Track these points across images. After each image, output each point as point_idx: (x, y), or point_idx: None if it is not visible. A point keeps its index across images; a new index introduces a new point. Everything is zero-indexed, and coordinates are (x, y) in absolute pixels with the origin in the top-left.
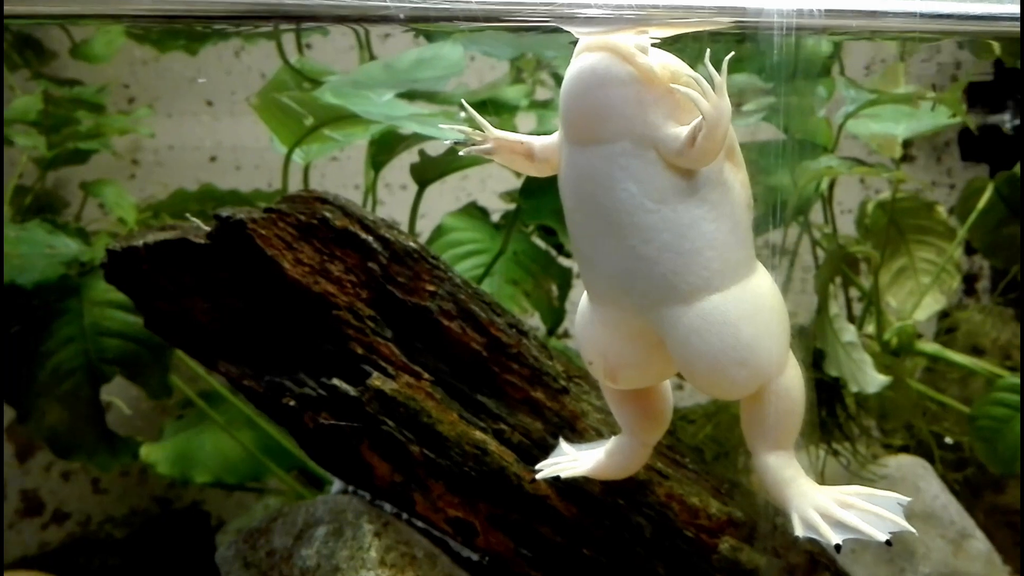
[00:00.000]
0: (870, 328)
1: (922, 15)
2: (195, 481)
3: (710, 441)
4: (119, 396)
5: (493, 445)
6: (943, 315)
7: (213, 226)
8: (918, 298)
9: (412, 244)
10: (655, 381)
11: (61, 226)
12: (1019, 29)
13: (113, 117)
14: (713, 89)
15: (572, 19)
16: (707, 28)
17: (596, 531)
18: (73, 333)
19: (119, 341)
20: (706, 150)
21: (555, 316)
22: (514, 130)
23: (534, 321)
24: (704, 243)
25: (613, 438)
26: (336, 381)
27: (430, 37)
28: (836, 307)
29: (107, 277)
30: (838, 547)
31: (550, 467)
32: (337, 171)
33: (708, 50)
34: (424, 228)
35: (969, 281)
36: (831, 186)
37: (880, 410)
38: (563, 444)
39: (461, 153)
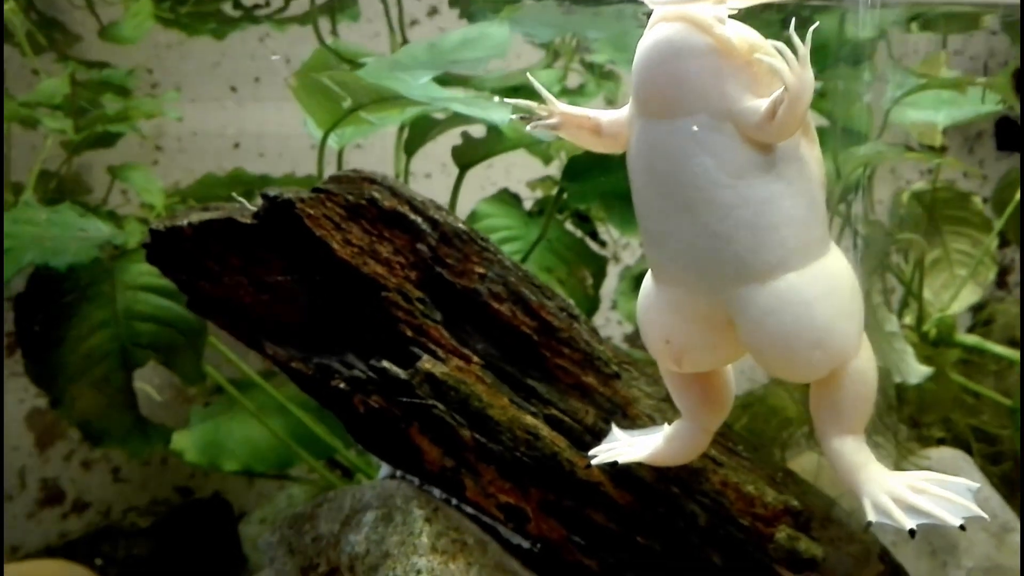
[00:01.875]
0: (908, 319)
1: None
2: (223, 469)
3: (746, 433)
4: (144, 382)
5: (545, 430)
6: (977, 307)
7: (260, 206)
8: (953, 290)
9: (461, 226)
10: (720, 364)
11: (92, 209)
12: None
13: (140, 100)
14: (797, 59)
15: None
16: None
17: (650, 518)
18: (106, 317)
19: (152, 326)
20: (786, 123)
21: (589, 304)
22: None
23: None
24: (781, 220)
25: (673, 423)
26: (386, 364)
27: (471, 18)
28: (877, 297)
29: (149, 257)
30: (912, 532)
31: (605, 453)
32: (360, 158)
33: (793, 18)
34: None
35: (1001, 274)
36: (870, 175)
37: (919, 402)
38: (615, 430)
39: (528, 128)
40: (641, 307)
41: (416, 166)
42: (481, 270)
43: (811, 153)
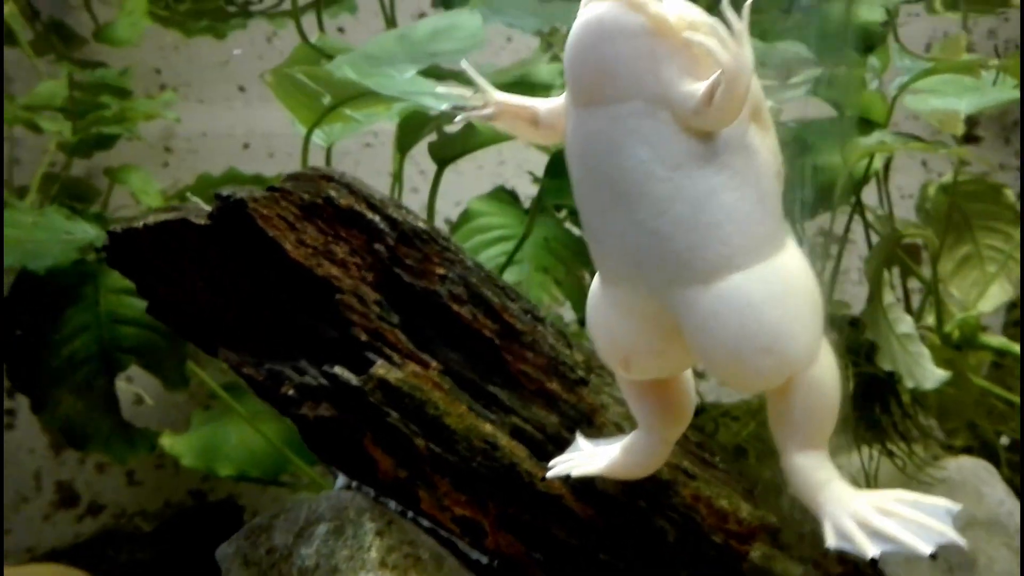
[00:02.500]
0: (931, 320)
1: None
2: (219, 474)
3: (754, 440)
4: (146, 386)
5: (504, 440)
6: (1012, 306)
7: (214, 206)
8: (983, 288)
9: (421, 225)
10: (673, 371)
11: (79, 212)
12: None
13: (139, 101)
14: (733, 37)
15: None
16: None
17: (615, 534)
18: (88, 321)
19: (135, 329)
20: (725, 108)
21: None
22: None
23: (565, 310)
24: (724, 215)
25: (631, 434)
26: (338, 369)
27: (449, 5)
28: (891, 296)
29: (109, 261)
30: (874, 561)
31: (563, 464)
32: (371, 156)
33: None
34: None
35: None
36: (887, 166)
37: (940, 408)
38: (580, 439)
39: (457, 119)
40: (588, 307)
41: (428, 163)
42: (442, 271)
43: (763, 142)
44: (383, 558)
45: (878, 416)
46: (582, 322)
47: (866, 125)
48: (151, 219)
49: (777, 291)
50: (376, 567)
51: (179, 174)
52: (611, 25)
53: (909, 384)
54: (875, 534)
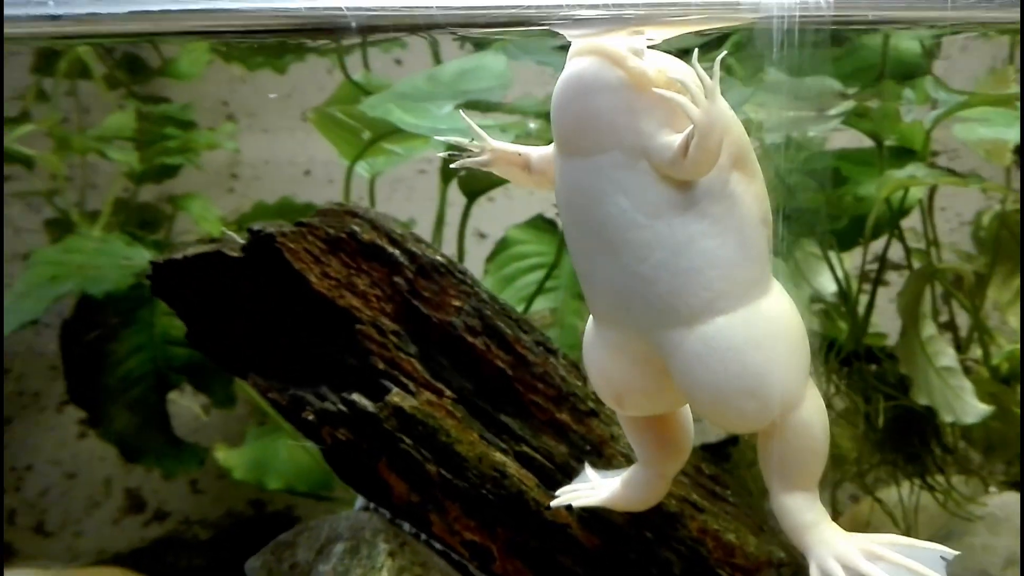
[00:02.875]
0: (979, 352)
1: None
2: (268, 487)
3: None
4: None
5: (513, 468)
6: None
7: (247, 240)
8: None
9: (439, 258)
10: (666, 409)
11: (139, 238)
12: None
13: (201, 133)
14: (705, 93)
15: (548, 21)
16: (705, 27)
17: (620, 564)
18: (143, 342)
19: (186, 350)
20: (699, 160)
21: None
22: None
23: None
24: (704, 261)
25: (630, 468)
26: (356, 396)
27: (479, 47)
28: (933, 328)
29: (152, 289)
30: None
31: (567, 495)
32: (425, 183)
33: (696, 50)
34: None
35: None
36: (931, 196)
37: (986, 443)
38: (588, 470)
39: (453, 166)
40: (584, 346)
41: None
42: (458, 303)
43: (747, 189)
44: None
45: (918, 450)
46: None
47: (907, 155)
48: (190, 251)
49: (760, 335)
50: None
51: (243, 200)
52: (591, 79)
53: (947, 418)
54: None
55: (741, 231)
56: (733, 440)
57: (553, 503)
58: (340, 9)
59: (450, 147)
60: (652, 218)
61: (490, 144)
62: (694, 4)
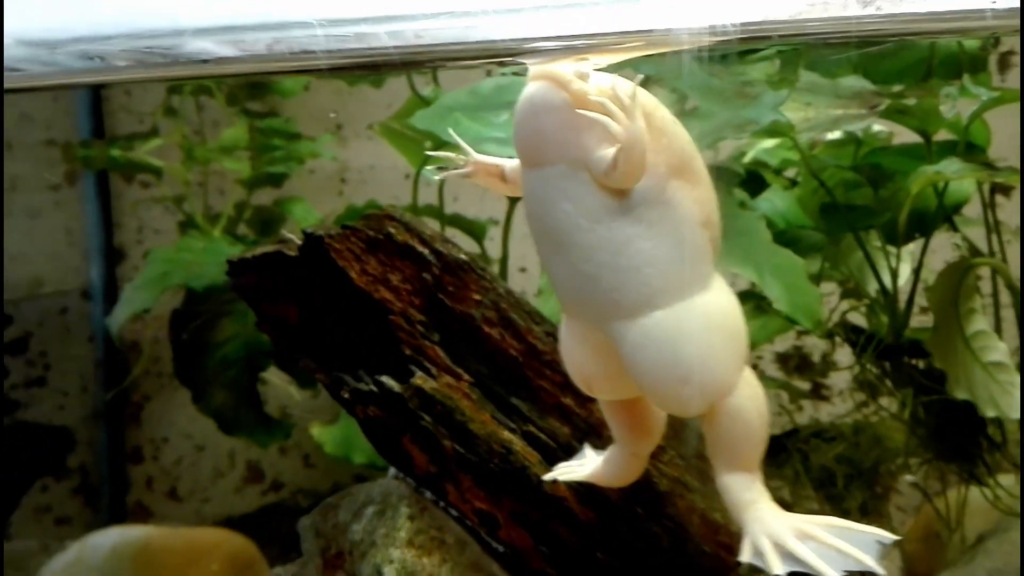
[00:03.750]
0: None
1: (862, 18)
2: (353, 462)
3: (844, 461)
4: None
5: (518, 445)
6: None
7: (303, 241)
8: None
9: (463, 256)
10: (630, 394)
11: (241, 238)
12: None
13: (303, 143)
14: (625, 112)
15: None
16: (637, 54)
17: (611, 536)
18: (238, 329)
19: None
20: (627, 172)
21: None
22: None
23: None
24: (641, 261)
25: (609, 447)
26: (385, 378)
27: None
28: (982, 323)
29: (231, 285)
30: None
31: (559, 470)
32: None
33: (611, 77)
34: None
35: None
36: (992, 191)
37: None
38: (587, 449)
39: (436, 178)
40: (560, 336)
41: None
42: (478, 297)
43: (688, 194)
44: (411, 538)
45: (965, 446)
46: None
47: (970, 149)
48: (258, 251)
49: (694, 328)
50: (404, 545)
51: (351, 202)
52: (540, 101)
53: (990, 413)
54: (787, 555)
55: (678, 233)
56: (789, 432)
57: (546, 476)
58: (314, 51)
59: (438, 161)
60: (593, 222)
61: (473, 157)
62: (625, 33)
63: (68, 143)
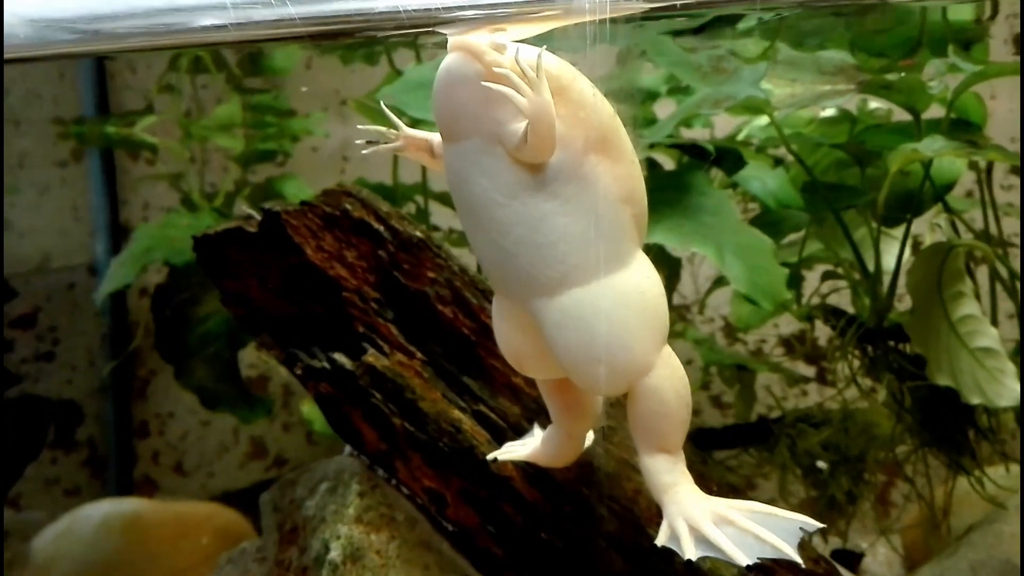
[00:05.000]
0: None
1: None
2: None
3: (830, 447)
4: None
5: (467, 424)
6: None
7: (262, 216)
8: None
9: (418, 234)
10: (559, 373)
11: (225, 215)
12: None
13: (295, 120)
14: (530, 85)
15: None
16: (553, 24)
17: (557, 517)
18: (218, 306)
19: None
20: (536, 146)
21: None
22: (652, 118)
23: None
24: (557, 237)
25: (547, 427)
26: (337, 355)
27: None
28: (974, 307)
29: (197, 260)
30: (689, 562)
31: (503, 450)
32: None
33: (518, 47)
34: None
35: None
36: (989, 169)
37: None
38: (535, 429)
39: (365, 152)
40: (492, 314)
41: None
42: (432, 275)
43: (607, 170)
44: (359, 515)
45: (953, 435)
46: None
47: (965, 127)
48: (220, 227)
49: (609, 306)
50: (352, 521)
51: (352, 180)
52: (455, 73)
53: (974, 400)
54: (702, 539)
55: (595, 209)
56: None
57: (489, 456)
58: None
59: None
60: (509, 198)
61: (404, 131)
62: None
63: (62, 119)
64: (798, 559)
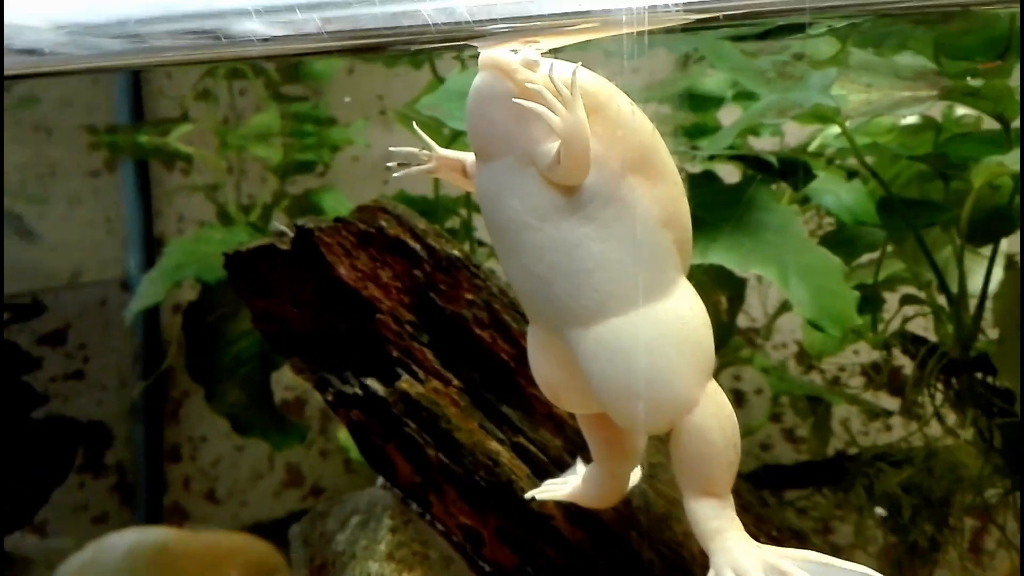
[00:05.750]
0: None
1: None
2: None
3: (911, 488)
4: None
5: (505, 457)
6: None
7: (295, 234)
8: None
9: (456, 252)
10: (598, 408)
11: (261, 229)
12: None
13: (335, 129)
14: (564, 103)
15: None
16: (588, 36)
17: (602, 560)
18: (251, 326)
19: None
20: (569, 167)
21: (722, 331)
22: (716, 126)
23: None
24: (593, 263)
25: (588, 465)
26: (370, 381)
27: None
28: None
29: (229, 279)
30: None
31: (543, 488)
32: None
33: (552, 63)
34: None
35: None
36: None
37: None
38: (579, 464)
39: (396, 175)
40: (527, 344)
41: None
42: (470, 296)
43: (647, 192)
44: (391, 552)
45: None
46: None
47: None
48: (252, 244)
49: (650, 337)
50: (383, 559)
51: (395, 191)
52: (487, 91)
53: None
54: None
55: (634, 234)
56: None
57: (527, 494)
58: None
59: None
60: (542, 221)
61: (438, 152)
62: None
63: (95, 127)
64: None
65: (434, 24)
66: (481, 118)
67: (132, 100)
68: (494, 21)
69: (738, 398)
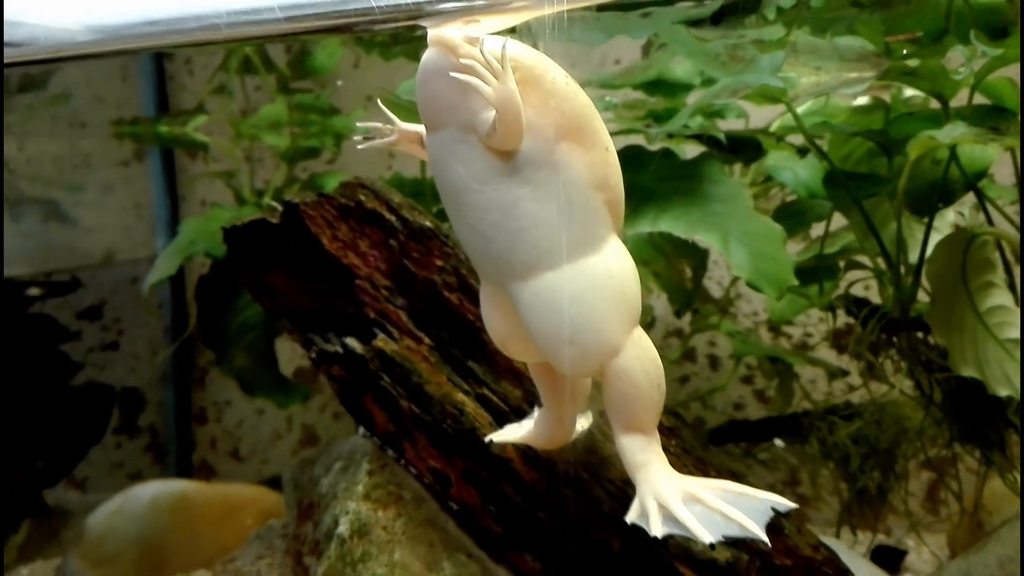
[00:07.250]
0: None
1: None
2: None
3: (861, 440)
4: None
5: (471, 407)
6: None
7: (283, 208)
8: None
9: (427, 223)
10: (542, 356)
11: (268, 208)
12: None
13: (338, 118)
14: (495, 75)
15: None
16: (507, 14)
17: (555, 498)
18: None
19: None
20: (504, 133)
21: (685, 298)
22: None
23: (660, 302)
24: (529, 222)
25: (539, 410)
26: (349, 340)
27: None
28: (1003, 298)
29: (228, 251)
30: (655, 539)
31: (501, 432)
32: None
33: (483, 37)
34: None
35: None
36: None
37: None
38: (535, 412)
39: (360, 147)
40: (480, 298)
41: None
42: (440, 263)
43: (579, 157)
44: (368, 492)
45: (982, 428)
46: (678, 313)
47: (999, 113)
48: (246, 219)
49: (580, 289)
50: (360, 498)
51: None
52: (433, 66)
53: (1002, 392)
54: (669, 517)
55: (566, 195)
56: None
57: (487, 437)
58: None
59: (364, 131)
60: (483, 184)
61: (399, 126)
62: None
63: (123, 120)
64: (764, 538)
65: (378, 7)
66: (428, 91)
67: (157, 95)
68: (432, 3)
69: (712, 362)
